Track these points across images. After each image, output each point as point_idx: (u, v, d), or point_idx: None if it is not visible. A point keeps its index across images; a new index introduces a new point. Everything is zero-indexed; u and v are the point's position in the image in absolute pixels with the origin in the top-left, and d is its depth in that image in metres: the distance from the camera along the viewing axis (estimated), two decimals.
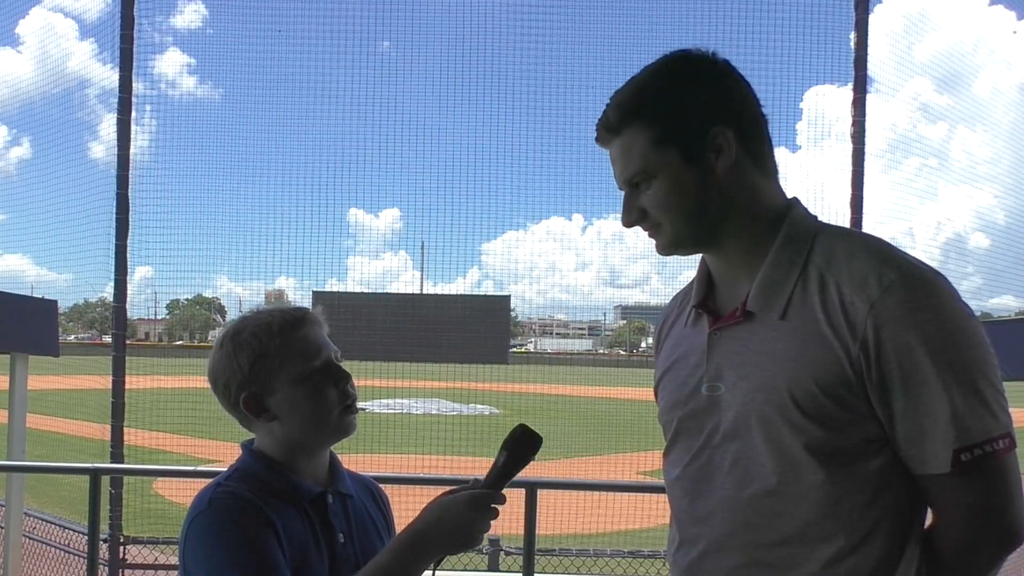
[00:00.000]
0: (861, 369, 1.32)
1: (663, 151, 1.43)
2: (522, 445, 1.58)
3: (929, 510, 1.40)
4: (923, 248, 9.12)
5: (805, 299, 1.38)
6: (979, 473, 1.30)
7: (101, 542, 5.61)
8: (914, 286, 1.32)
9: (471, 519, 1.52)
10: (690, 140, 1.43)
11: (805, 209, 1.50)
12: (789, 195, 1.52)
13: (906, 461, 1.35)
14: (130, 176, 6.32)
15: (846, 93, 6.29)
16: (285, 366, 1.61)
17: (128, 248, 6.33)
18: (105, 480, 5.41)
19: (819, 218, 1.51)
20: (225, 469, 1.68)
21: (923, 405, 1.30)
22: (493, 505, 1.55)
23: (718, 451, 1.45)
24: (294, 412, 1.63)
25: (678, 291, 1.70)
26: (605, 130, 1.49)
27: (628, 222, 1.51)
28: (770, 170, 1.50)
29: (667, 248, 1.50)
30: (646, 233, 1.51)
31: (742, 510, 1.41)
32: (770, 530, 1.38)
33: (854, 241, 1.42)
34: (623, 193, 1.51)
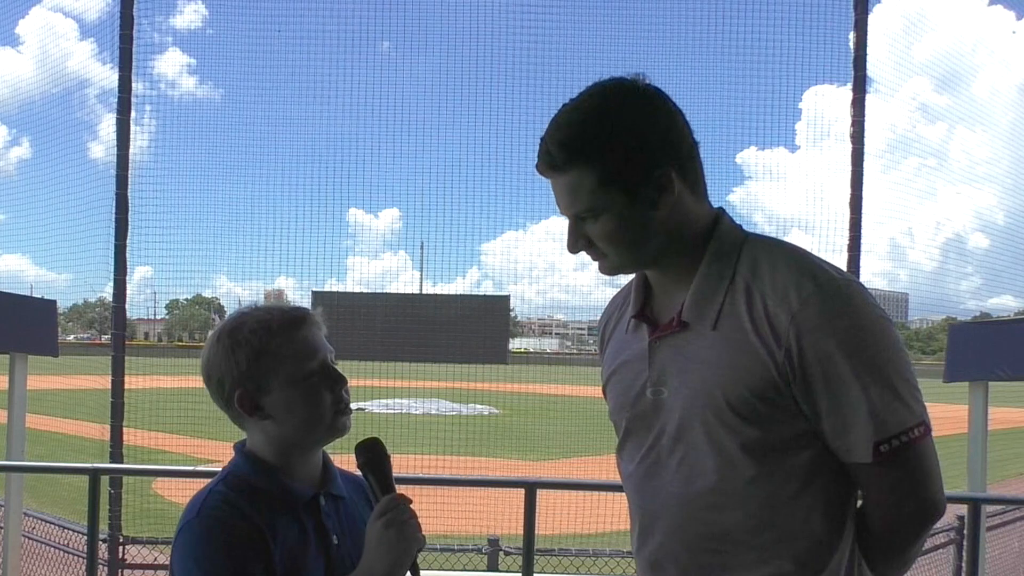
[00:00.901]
0: (787, 374, 1.44)
1: (609, 192, 1.50)
2: (368, 450, 1.66)
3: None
4: (922, 248, 9.14)
5: (734, 309, 1.50)
6: (898, 460, 1.44)
7: (100, 542, 5.61)
8: (830, 296, 1.44)
9: (392, 528, 1.57)
10: (635, 182, 1.50)
11: (731, 220, 1.61)
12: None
13: (834, 451, 1.48)
14: (129, 176, 6.32)
15: (845, 93, 6.30)
16: (283, 366, 1.60)
17: (127, 248, 6.33)
18: (104, 480, 5.40)
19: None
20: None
21: (844, 403, 1.43)
22: (396, 505, 1.59)
23: (665, 450, 1.57)
24: (288, 413, 1.62)
25: (617, 293, 1.80)
26: (549, 167, 1.53)
27: (574, 250, 1.58)
28: (702, 192, 1.59)
29: (610, 272, 1.60)
30: (590, 256, 1.59)
31: (689, 505, 1.54)
32: (715, 523, 1.52)
33: (775, 253, 1.53)
34: (568, 221, 1.57)
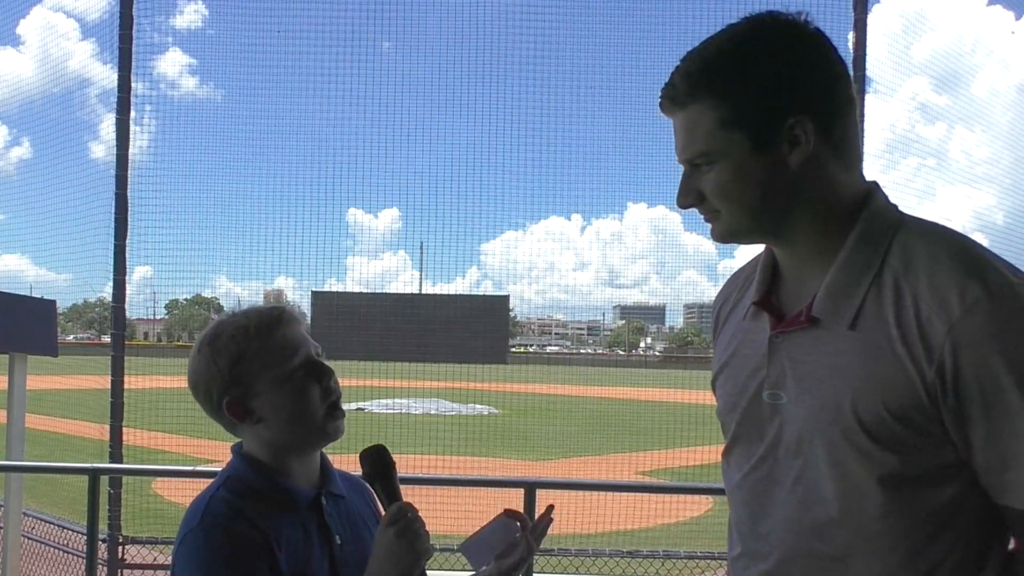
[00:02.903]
0: (936, 394, 1.20)
1: (730, 134, 1.28)
2: (373, 457, 1.63)
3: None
4: None
5: (879, 309, 1.25)
6: None
7: (100, 542, 5.61)
8: (1002, 304, 1.18)
9: (404, 539, 1.54)
10: (763, 127, 1.27)
11: (885, 198, 1.35)
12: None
13: (986, 488, 1.24)
14: (129, 176, 6.32)
15: None
16: (266, 367, 1.59)
17: (127, 248, 6.33)
18: (104, 480, 5.41)
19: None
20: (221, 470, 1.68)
21: (1007, 436, 1.18)
22: (407, 514, 1.56)
23: (780, 465, 1.35)
24: (278, 413, 1.61)
25: (740, 268, 1.56)
26: (670, 100, 1.33)
27: (684, 204, 1.36)
28: (852, 160, 1.34)
29: (722, 238, 1.37)
30: (703, 217, 1.38)
31: (805, 535, 1.32)
32: (834, 559, 1.30)
33: (937, 243, 1.27)
34: (682, 170, 1.36)
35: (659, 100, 1.36)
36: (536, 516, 1.86)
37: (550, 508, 1.82)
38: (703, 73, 1.29)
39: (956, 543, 1.26)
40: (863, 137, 6.16)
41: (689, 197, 1.35)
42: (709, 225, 1.39)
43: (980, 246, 1.27)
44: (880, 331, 1.24)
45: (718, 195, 1.32)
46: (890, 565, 1.27)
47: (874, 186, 1.36)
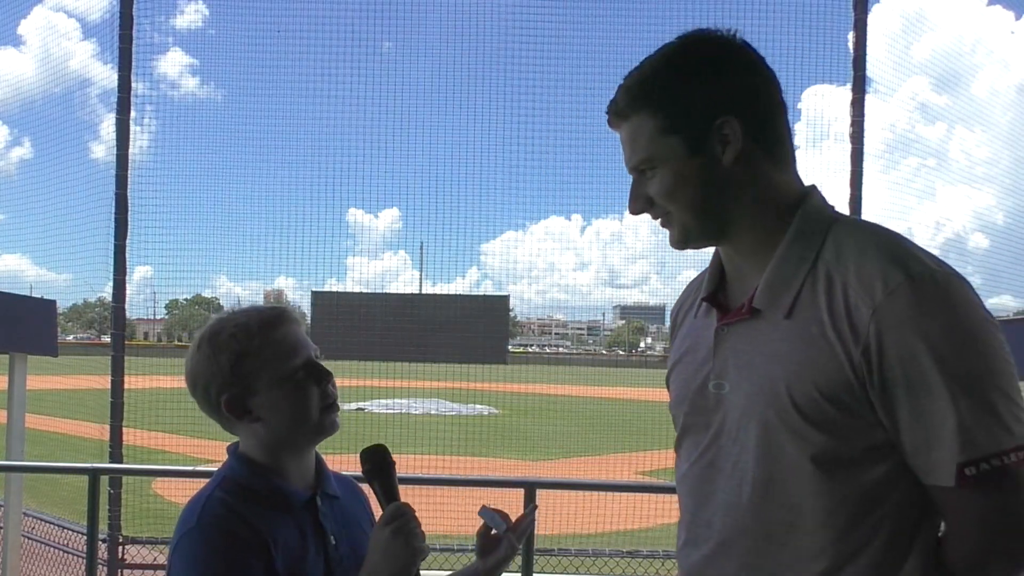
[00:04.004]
0: (864, 375, 1.27)
1: (668, 141, 1.40)
2: (373, 456, 1.64)
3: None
4: None
5: (813, 298, 1.33)
6: (989, 488, 1.23)
7: (100, 542, 5.61)
8: (922, 289, 1.25)
9: (400, 537, 1.54)
10: (694, 131, 1.39)
11: (822, 198, 1.45)
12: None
13: (913, 469, 1.30)
14: (129, 176, 6.32)
15: (844, 93, 6.30)
16: (266, 366, 1.60)
17: (127, 248, 6.34)
18: (104, 480, 5.41)
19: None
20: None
21: (927, 415, 1.24)
22: (404, 513, 1.57)
23: (722, 452, 1.42)
24: (276, 412, 1.61)
25: (694, 277, 1.65)
26: (614, 115, 1.46)
27: (634, 210, 1.48)
28: (785, 160, 1.44)
29: (678, 242, 1.46)
30: (658, 223, 1.48)
31: (741, 516, 1.38)
32: (769, 538, 1.36)
33: (866, 236, 1.36)
34: (632, 179, 1.47)
35: (605, 115, 1.47)
36: (536, 517, 1.87)
37: (533, 508, 1.87)
38: (640, 87, 1.42)
39: (886, 522, 1.31)
40: (863, 137, 6.17)
41: (639, 203, 1.47)
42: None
43: (907, 240, 1.36)
44: (813, 318, 1.33)
45: (664, 197, 1.43)
46: (822, 543, 1.32)
47: (812, 188, 1.46)
